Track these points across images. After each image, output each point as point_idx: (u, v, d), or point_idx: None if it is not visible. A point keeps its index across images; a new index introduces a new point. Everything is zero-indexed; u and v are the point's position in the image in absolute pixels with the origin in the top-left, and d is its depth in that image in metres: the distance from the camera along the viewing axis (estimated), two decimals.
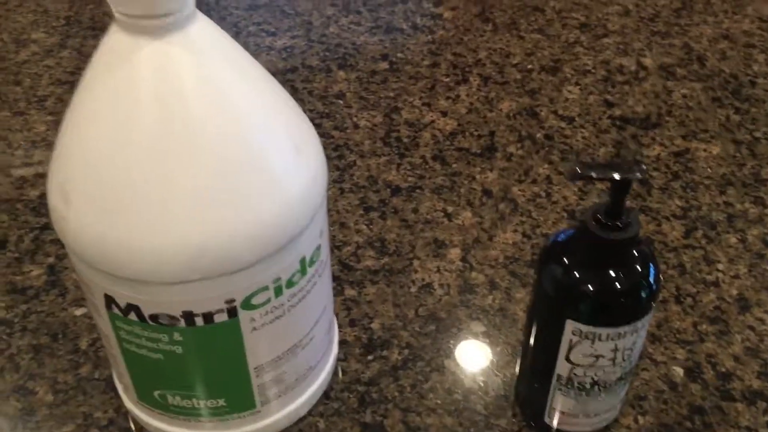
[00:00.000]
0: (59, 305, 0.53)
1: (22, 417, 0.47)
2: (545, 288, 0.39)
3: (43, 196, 0.62)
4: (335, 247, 0.58)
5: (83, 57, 0.76)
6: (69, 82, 0.73)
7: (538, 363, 0.42)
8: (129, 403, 0.45)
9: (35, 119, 0.69)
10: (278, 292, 0.38)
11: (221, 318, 0.37)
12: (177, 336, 0.38)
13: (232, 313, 0.37)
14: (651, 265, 0.38)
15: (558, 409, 0.43)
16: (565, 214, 0.60)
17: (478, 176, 0.63)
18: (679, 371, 0.49)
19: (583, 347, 0.39)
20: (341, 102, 0.71)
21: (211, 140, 0.34)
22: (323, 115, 0.70)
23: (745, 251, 0.57)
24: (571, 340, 0.39)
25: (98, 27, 0.80)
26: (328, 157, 0.65)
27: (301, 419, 0.46)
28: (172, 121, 0.33)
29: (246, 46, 0.77)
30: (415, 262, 0.56)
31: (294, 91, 0.72)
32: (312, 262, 0.40)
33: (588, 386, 0.41)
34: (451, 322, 0.52)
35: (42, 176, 0.63)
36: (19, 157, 0.65)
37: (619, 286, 0.37)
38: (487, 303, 0.54)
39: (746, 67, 0.74)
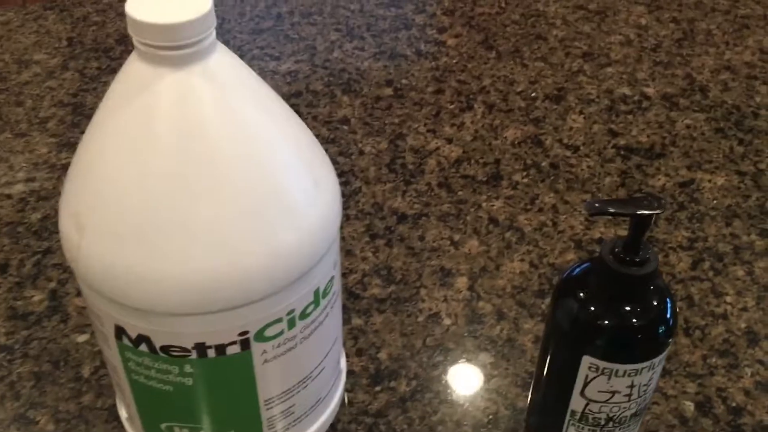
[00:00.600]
0: (61, 331, 0.52)
1: None
2: (560, 322, 0.39)
3: (45, 218, 0.61)
4: (342, 275, 0.57)
5: (86, 78, 0.76)
6: (71, 104, 0.73)
7: (552, 397, 0.42)
8: None
9: (37, 141, 0.68)
10: (291, 323, 0.38)
11: (234, 350, 0.37)
12: (188, 368, 0.37)
13: (245, 345, 0.37)
14: (668, 300, 0.38)
15: None
16: (572, 244, 0.60)
17: (484, 204, 0.63)
18: (690, 406, 0.49)
19: (599, 383, 0.38)
20: (346, 128, 0.71)
21: (231, 171, 0.33)
22: (328, 140, 0.69)
23: (753, 284, 0.57)
24: (587, 376, 0.38)
25: (101, 48, 0.80)
26: None
27: None
28: (191, 152, 0.33)
29: None
30: (422, 291, 0.56)
31: (299, 116, 0.72)
32: (325, 294, 0.39)
33: (602, 422, 0.40)
34: (459, 353, 0.52)
35: (44, 199, 0.63)
36: (21, 179, 0.65)
37: (638, 323, 0.37)
38: (495, 333, 0.53)
39: (748, 98, 0.75)
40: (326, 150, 0.69)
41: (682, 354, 0.52)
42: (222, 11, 0.86)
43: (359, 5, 0.88)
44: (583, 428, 0.41)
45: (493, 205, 0.63)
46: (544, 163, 0.67)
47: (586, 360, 0.38)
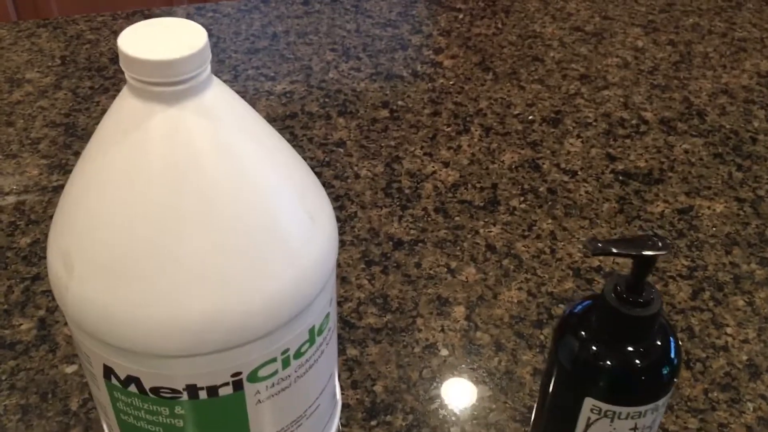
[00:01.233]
0: (49, 362, 0.51)
1: None
2: (562, 362, 0.38)
3: (34, 243, 0.60)
4: (337, 303, 0.56)
5: (78, 98, 0.75)
6: (63, 124, 0.72)
7: None
8: None
9: (28, 162, 0.67)
10: (286, 363, 0.37)
11: (226, 391, 0.36)
12: (178, 409, 0.36)
13: (238, 386, 0.36)
14: (671, 339, 0.37)
15: None
16: (570, 272, 0.59)
17: (481, 230, 0.63)
18: None
19: (602, 425, 0.38)
20: (341, 150, 0.70)
21: (225, 210, 0.32)
22: (323, 163, 0.69)
23: (754, 315, 0.56)
24: (589, 418, 0.38)
25: (94, 68, 0.79)
26: None
27: None
28: (184, 190, 0.32)
29: (245, 90, 0.77)
30: (419, 321, 0.55)
31: (293, 138, 0.71)
32: (321, 331, 0.38)
33: None
34: (456, 386, 0.51)
35: (34, 223, 0.62)
36: (11, 202, 0.63)
37: (643, 365, 0.36)
38: (493, 365, 0.52)
39: (746, 122, 0.75)
40: (321, 173, 0.69)
41: (684, 388, 0.51)
42: (217, 30, 0.85)
43: (355, 25, 0.87)
44: None
45: (490, 231, 0.62)
46: (541, 188, 0.67)
47: (589, 402, 0.37)
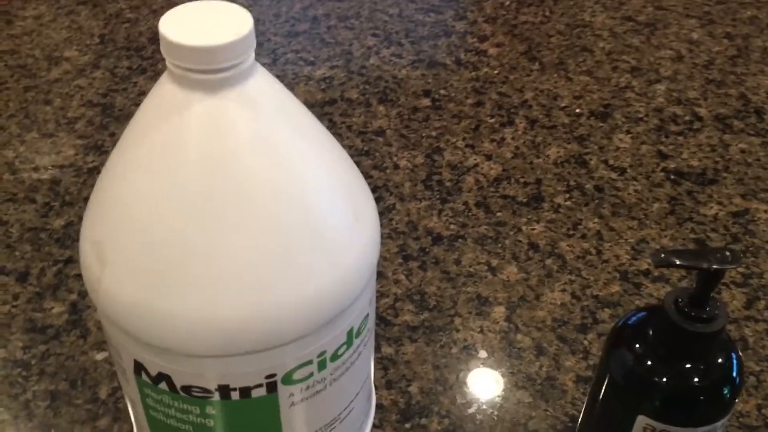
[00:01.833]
0: (80, 348, 0.50)
1: None
2: (614, 375, 0.36)
3: (68, 225, 0.59)
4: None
5: (116, 78, 0.74)
6: (100, 104, 0.71)
7: None
8: None
9: (64, 142, 0.67)
10: (322, 365, 0.35)
11: (259, 393, 0.34)
12: (209, 409, 0.34)
13: (272, 388, 0.34)
14: (734, 357, 0.35)
15: None
16: (617, 275, 0.56)
17: (524, 227, 0.60)
18: None
19: None
20: (381, 139, 0.68)
21: (265, 204, 0.31)
22: (362, 152, 0.67)
23: None
24: None
25: (133, 47, 0.78)
26: None
27: None
28: (224, 183, 0.30)
29: (284, 74, 0.75)
30: (457, 320, 0.53)
31: (332, 125, 0.69)
32: (359, 333, 0.37)
33: None
34: (494, 390, 0.49)
35: (68, 204, 0.61)
36: (46, 182, 0.63)
37: (702, 383, 0.34)
38: (534, 370, 0.50)
39: None
40: (360, 162, 0.67)
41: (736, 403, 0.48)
42: (257, 12, 0.83)
43: (398, 9, 0.85)
44: None
45: (533, 229, 0.60)
46: (588, 185, 0.64)
47: (641, 420, 0.35)
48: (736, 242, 0.59)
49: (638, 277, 0.56)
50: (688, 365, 0.34)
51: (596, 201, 0.63)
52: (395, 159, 0.66)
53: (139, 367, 0.34)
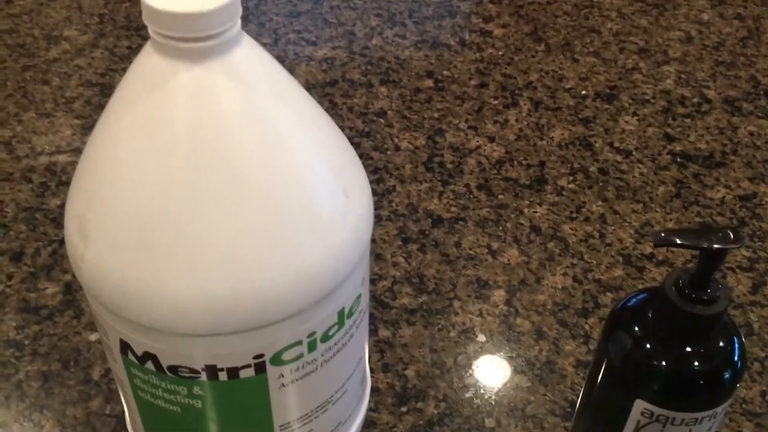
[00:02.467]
0: (73, 328, 0.50)
1: None
2: (612, 358, 0.35)
3: (64, 206, 0.58)
4: (370, 280, 0.53)
5: (116, 58, 0.73)
6: (99, 84, 0.70)
7: None
8: None
9: (61, 122, 0.66)
10: (312, 347, 0.34)
11: (247, 373, 0.33)
12: (197, 390, 0.34)
13: (260, 368, 0.33)
14: (736, 341, 0.34)
15: None
16: (620, 258, 0.55)
17: (526, 210, 0.59)
18: None
19: (652, 430, 0.34)
20: (382, 120, 0.67)
21: (252, 179, 0.30)
22: (363, 133, 0.66)
23: None
24: (638, 422, 0.34)
25: (133, 27, 0.77)
26: None
27: None
28: (210, 156, 0.29)
29: (285, 54, 0.74)
30: (456, 303, 0.52)
31: (333, 106, 0.68)
32: (351, 313, 0.36)
33: None
34: (493, 374, 0.48)
35: (65, 184, 0.60)
36: (43, 162, 0.62)
37: (702, 367, 0.33)
38: (533, 355, 0.49)
39: None
40: (360, 144, 0.66)
41: (739, 389, 0.47)
42: None
43: None
44: None
45: (535, 212, 0.59)
46: (592, 168, 0.63)
47: (639, 404, 0.34)
48: (743, 226, 0.58)
49: (641, 261, 0.55)
50: (688, 349, 0.33)
51: (600, 184, 0.61)
52: (396, 140, 0.65)
53: (125, 347, 0.34)
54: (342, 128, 0.63)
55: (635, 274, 0.55)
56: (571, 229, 0.58)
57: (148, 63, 0.29)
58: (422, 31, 0.78)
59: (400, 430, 0.45)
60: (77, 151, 0.63)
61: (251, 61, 0.30)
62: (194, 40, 0.28)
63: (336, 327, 0.35)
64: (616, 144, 0.65)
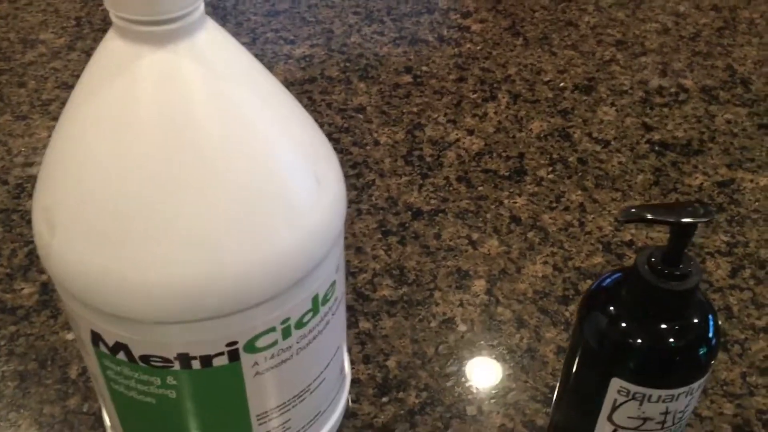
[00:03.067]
0: (50, 328, 0.49)
1: None
2: (588, 339, 0.35)
3: None
4: (350, 273, 0.53)
5: None
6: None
7: (575, 420, 0.38)
8: None
9: (38, 124, 0.65)
10: (286, 333, 0.34)
11: (221, 362, 0.33)
12: (170, 380, 0.33)
13: (234, 356, 0.33)
14: (710, 317, 0.34)
15: None
16: (600, 246, 0.55)
17: (505, 201, 0.59)
18: (728, 429, 0.44)
19: (630, 408, 0.34)
20: (361, 116, 0.67)
21: (221, 164, 0.30)
22: (342, 129, 0.66)
23: None
24: (615, 400, 0.34)
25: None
26: (346, 175, 0.61)
27: None
28: (176, 142, 0.29)
29: (263, 53, 0.74)
30: (436, 294, 0.52)
31: (312, 103, 0.68)
32: (326, 300, 0.36)
33: None
34: (474, 363, 0.48)
35: None
36: (18, 164, 0.62)
37: (677, 344, 0.33)
38: (514, 342, 0.49)
39: None
40: (339, 139, 0.66)
41: (719, 371, 0.47)
42: None
43: None
44: None
45: (515, 202, 0.59)
46: (571, 158, 0.63)
47: (616, 383, 0.34)
48: (722, 212, 0.58)
49: (621, 248, 0.55)
50: (662, 325, 0.33)
51: (579, 174, 0.61)
52: (375, 135, 0.65)
53: (96, 338, 0.33)
54: (321, 124, 0.63)
55: (615, 261, 0.55)
56: (550, 218, 0.58)
57: (111, 48, 0.29)
58: (400, 28, 0.78)
59: (382, 420, 0.45)
60: None
61: (216, 45, 0.30)
62: (156, 24, 0.28)
63: (311, 314, 0.35)
64: (595, 134, 0.65)
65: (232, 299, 0.31)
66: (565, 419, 0.39)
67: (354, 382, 0.46)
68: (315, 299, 0.35)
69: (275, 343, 0.34)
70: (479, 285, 0.53)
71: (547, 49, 0.75)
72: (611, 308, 0.34)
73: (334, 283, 0.36)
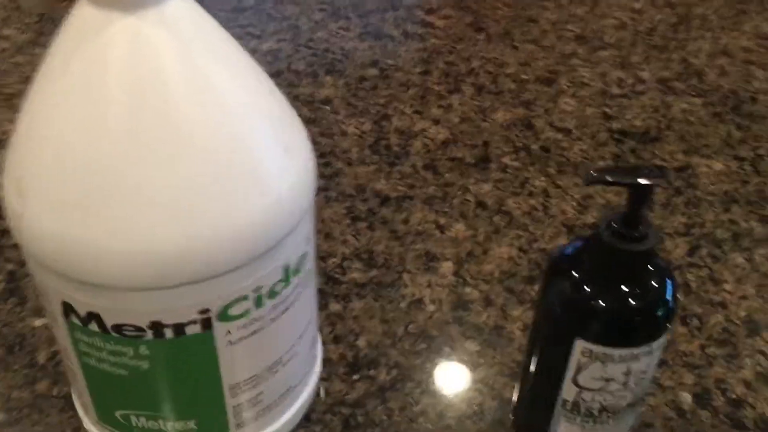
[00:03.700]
0: (17, 314, 0.49)
1: None
2: (552, 304, 0.36)
3: None
4: (320, 258, 0.54)
5: None
6: None
7: (541, 386, 0.39)
8: (89, 425, 0.41)
9: (1, 118, 0.65)
10: (259, 302, 0.35)
11: (193, 330, 0.33)
12: (143, 350, 0.34)
13: (206, 324, 0.34)
14: (668, 280, 0.35)
15: None
16: (563, 229, 0.57)
17: (471, 187, 0.60)
18: (688, 397, 0.46)
19: (593, 369, 0.35)
20: (328, 108, 0.68)
21: (190, 131, 0.30)
22: (309, 120, 0.66)
23: (753, 271, 0.54)
24: (579, 362, 0.35)
25: None
26: None
27: None
28: (147, 109, 0.30)
29: None
30: (405, 276, 0.53)
31: None
32: (297, 271, 0.36)
33: (596, 412, 0.37)
34: (443, 341, 0.49)
35: None
36: None
37: (636, 303, 0.34)
38: (482, 320, 0.50)
39: (746, 83, 0.72)
40: (307, 130, 0.66)
41: (680, 343, 0.49)
42: None
43: None
44: (574, 418, 0.38)
45: (481, 189, 0.60)
46: (534, 146, 0.64)
47: (579, 344, 0.35)
48: (679, 195, 0.60)
49: (585, 231, 0.57)
50: (622, 286, 0.34)
51: (542, 161, 0.63)
52: (343, 126, 0.66)
53: (67, 309, 0.33)
54: None
55: None
56: (515, 203, 0.59)
57: (81, 14, 0.30)
58: (366, 24, 0.79)
59: (353, 398, 0.45)
60: None
61: (186, 13, 0.30)
62: None
63: (282, 284, 0.35)
64: (557, 123, 0.67)
65: (203, 266, 0.32)
66: (532, 387, 0.40)
67: (325, 361, 0.47)
68: (286, 269, 0.35)
69: (248, 312, 0.34)
70: (447, 267, 0.54)
71: (509, 44, 0.77)
72: (573, 272, 0.35)
73: (305, 255, 0.37)
